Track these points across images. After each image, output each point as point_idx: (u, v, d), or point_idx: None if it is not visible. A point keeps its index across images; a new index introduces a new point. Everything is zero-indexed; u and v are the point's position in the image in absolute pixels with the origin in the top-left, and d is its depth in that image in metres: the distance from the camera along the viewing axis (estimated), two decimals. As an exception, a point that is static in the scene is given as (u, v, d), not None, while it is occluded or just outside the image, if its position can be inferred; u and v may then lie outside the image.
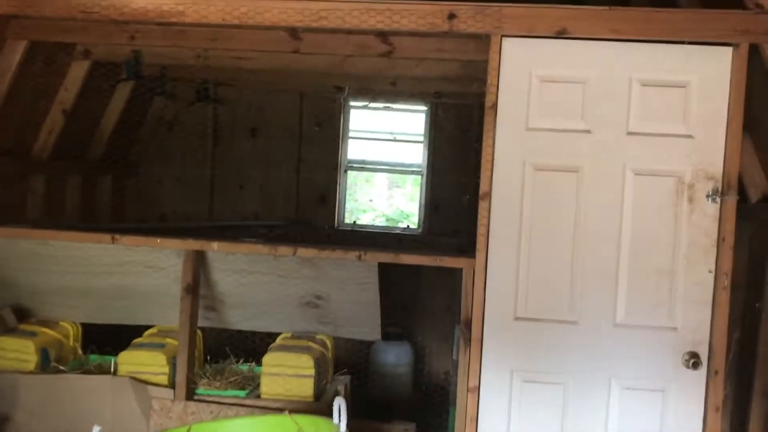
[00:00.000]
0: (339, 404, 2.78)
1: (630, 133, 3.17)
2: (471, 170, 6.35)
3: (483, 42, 3.33)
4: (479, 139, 6.19)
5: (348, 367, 4.41)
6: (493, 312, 3.24)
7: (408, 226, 6.69)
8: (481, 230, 3.22)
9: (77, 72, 5.07)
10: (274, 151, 6.60)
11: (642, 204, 3.17)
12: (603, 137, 3.18)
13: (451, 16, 3.19)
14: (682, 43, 3.10)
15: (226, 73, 5.13)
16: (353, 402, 4.08)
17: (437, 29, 3.23)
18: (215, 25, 3.84)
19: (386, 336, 4.75)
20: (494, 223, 3.22)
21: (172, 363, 3.74)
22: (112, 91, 5.68)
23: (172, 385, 3.69)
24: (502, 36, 3.18)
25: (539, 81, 3.20)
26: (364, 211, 6.77)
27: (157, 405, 3.59)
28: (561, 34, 3.14)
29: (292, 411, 3.28)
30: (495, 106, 3.21)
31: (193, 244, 3.61)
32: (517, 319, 3.24)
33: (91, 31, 4.33)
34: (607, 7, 3.11)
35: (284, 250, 3.52)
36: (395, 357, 5.77)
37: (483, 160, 3.21)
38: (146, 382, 3.68)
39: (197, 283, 3.69)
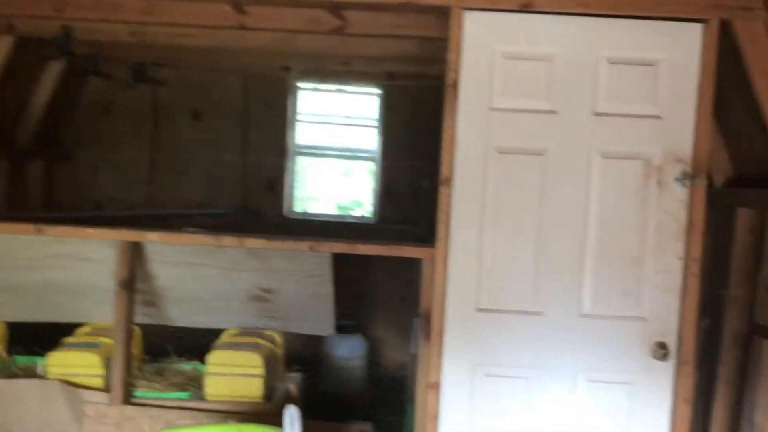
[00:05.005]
0: (290, 414, 2.53)
1: (597, 114, 3.00)
2: (426, 155, 6.18)
3: (443, 17, 3.11)
4: (436, 123, 6.05)
5: (299, 363, 4.19)
6: (454, 303, 3.07)
7: (361, 215, 6.47)
8: (441, 218, 3.03)
9: (0, 49, 4.69)
10: (218, 135, 6.31)
11: (609, 188, 3.02)
12: (569, 118, 3.01)
13: (409, -13, 2.97)
14: (652, 18, 2.95)
15: (164, 52, 4.82)
16: (306, 401, 3.85)
17: (394, 1, 3.01)
18: (150, -5, 3.54)
19: (339, 329, 4.55)
20: (455, 210, 3.03)
21: (108, 364, 3.46)
22: (42, 69, 5.31)
23: (108, 388, 3.42)
24: (464, 9, 2.98)
25: (503, 58, 3.01)
26: (315, 199, 6.52)
27: (92, 410, 3.32)
28: (526, 8, 2.95)
29: (239, 414, 3.03)
30: (456, 84, 3.01)
31: (128, 235, 3.33)
32: (479, 310, 3.07)
33: (13, 1, 3.96)
34: (574, -20, 2.94)
35: (229, 240, 3.26)
36: (348, 350, 5.58)
37: (444, 143, 3.00)
38: (79, 386, 3.42)
39: (133, 277, 3.41)
